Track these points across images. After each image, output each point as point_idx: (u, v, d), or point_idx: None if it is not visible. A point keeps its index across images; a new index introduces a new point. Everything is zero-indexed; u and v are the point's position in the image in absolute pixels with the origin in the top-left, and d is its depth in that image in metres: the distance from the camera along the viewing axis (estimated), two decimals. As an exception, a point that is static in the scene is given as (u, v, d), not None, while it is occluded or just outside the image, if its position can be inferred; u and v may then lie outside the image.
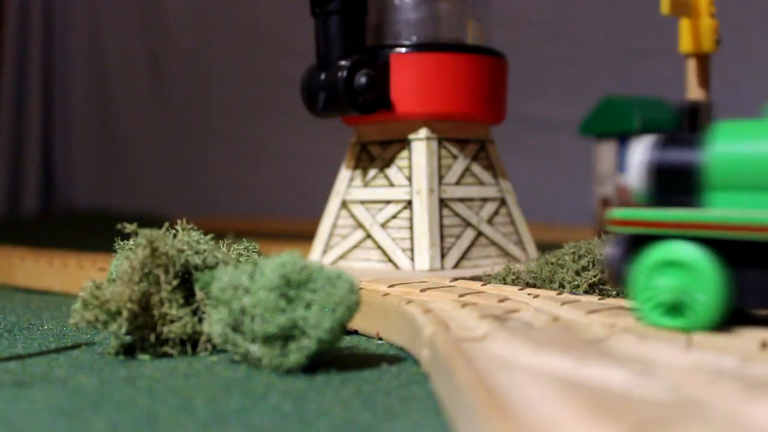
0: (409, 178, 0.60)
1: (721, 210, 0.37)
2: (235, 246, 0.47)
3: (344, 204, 0.64)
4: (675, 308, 0.37)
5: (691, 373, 0.30)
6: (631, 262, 0.39)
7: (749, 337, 0.35)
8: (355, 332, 0.49)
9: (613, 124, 0.95)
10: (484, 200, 0.63)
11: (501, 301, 0.45)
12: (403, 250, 0.60)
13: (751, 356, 0.32)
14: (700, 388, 0.28)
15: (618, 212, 0.39)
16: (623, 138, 0.95)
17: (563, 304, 0.43)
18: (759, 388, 0.27)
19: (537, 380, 0.29)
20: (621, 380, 0.29)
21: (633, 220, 0.38)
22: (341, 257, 0.63)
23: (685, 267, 0.37)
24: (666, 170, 0.39)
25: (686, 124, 0.41)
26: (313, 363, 0.38)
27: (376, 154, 0.63)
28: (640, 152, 0.40)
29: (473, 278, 0.54)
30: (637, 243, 0.39)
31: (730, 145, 0.37)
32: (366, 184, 0.63)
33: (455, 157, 0.62)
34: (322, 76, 0.59)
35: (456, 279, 0.52)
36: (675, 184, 0.38)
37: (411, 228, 0.60)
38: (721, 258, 0.37)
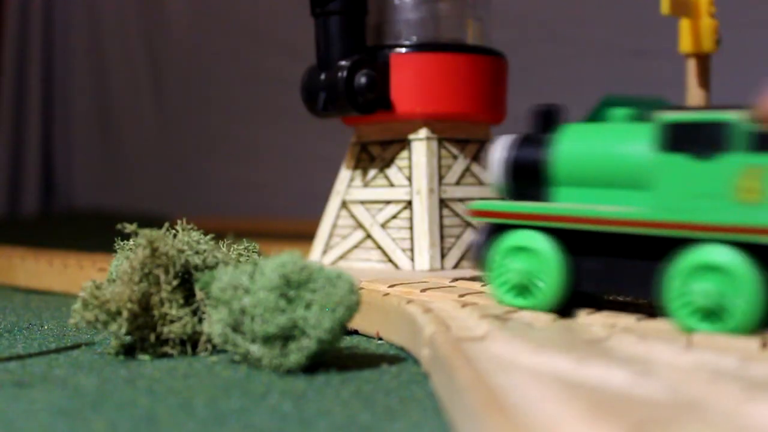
0: (409, 178, 0.60)
1: (562, 203, 0.42)
2: (235, 246, 0.47)
3: (344, 204, 0.64)
4: (523, 290, 0.42)
5: (691, 373, 0.30)
6: (490, 247, 0.44)
7: (749, 337, 0.35)
8: (355, 332, 0.49)
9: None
10: (484, 200, 0.63)
11: (501, 301, 0.45)
12: (403, 250, 0.60)
13: (751, 356, 0.32)
14: (700, 388, 0.28)
15: (476, 204, 0.45)
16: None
17: (563, 304, 0.43)
18: (759, 388, 0.27)
19: (537, 380, 0.29)
20: (621, 380, 0.29)
21: (489, 211, 0.44)
22: (341, 257, 0.63)
23: (531, 253, 0.42)
24: (519, 167, 0.44)
25: (540, 126, 0.45)
26: (313, 363, 0.38)
27: (376, 154, 0.63)
28: (499, 150, 0.45)
29: (473, 278, 0.54)
30: (497, 231, 0.44)
31: (571, 146, 0.42)
32: (366, 184, 0.63)
33: (455, 157, 0.62)
34: (322, 76, 0.59)
35: (456, 279, 0.52)
36: (527, 179, 0.44)
37: (411, 228, 0.60)
38: (562, 246, 0.42)
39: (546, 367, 0.31)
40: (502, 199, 0.45)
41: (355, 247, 0.63)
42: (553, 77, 1.37)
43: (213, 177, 1.92)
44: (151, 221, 0.53)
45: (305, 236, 0.74)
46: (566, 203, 0.42)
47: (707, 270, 0.37)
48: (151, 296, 0.42)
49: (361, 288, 0.48)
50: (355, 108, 0.58)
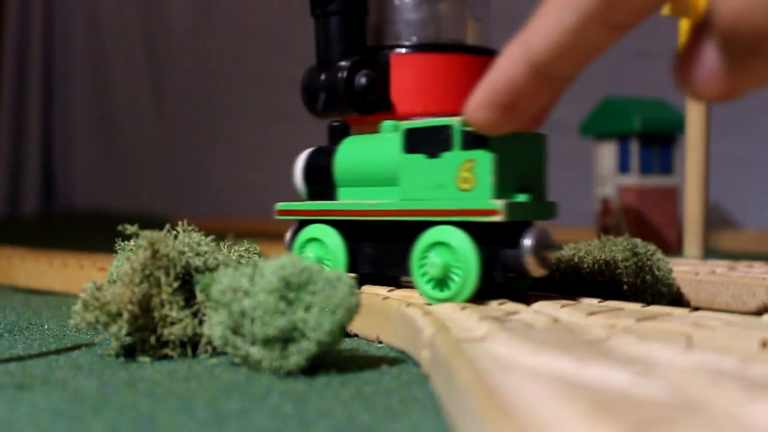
0: (409, 179, 0.61)
1: (341, 201, 0.52)
2: (236, 247, 0.47)
3: (344, 204, 0.64)
4: None
5: (691, 373, 0.30)
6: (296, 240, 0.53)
7: (749, 337, 0.35)
8: (356, 336, 0.49)
9: (613, 125, 0.95)
10: (484, 200, 0.63)
11: (501, 303, 0.45)
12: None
13: (751, 356, 0.32)
14: (700, 388, 0.28)
15: (279, 205, 0.54)
16: (623, 138, 0.95)
17: (563, 306, 0.43)
18: (759, 388, 0.27)
19: (537, 380, 0.29)
20: (621, 380, 0.29)
21: (288, 210, 0.54)
22: (341, 258, 0.63)
23: (320, 243, 0.52)
24: (313, 173, 0.54)
25: (332, 139, 0.54)
26: (313, 365, 0.38)
27: (376, 154, 0.63)
28: (300, 160, 0.55)
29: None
30: (302, 226, 0.53)
31: (345, 154, 0.52)
32: (366, 185, 0.63)
33: (455, 158, 0.62)
34: (322, 77, 0.59)
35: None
36: (318, 182, 0.54)
37: (411, 228, 0.60)
38: (344, 235, 0.51)
39: (546, 367, 0.31)
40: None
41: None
42: (553, 77, 1.36)
43: (213, 177, 1.92)
44: (151, 221, 0.53)
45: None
46: (343, 200, 0.52)
47: (438, 246, 0.45)
48: (152, 298, 0.42)
49: (361, 291, 0.48)
50: (355, 108, 0.58)
